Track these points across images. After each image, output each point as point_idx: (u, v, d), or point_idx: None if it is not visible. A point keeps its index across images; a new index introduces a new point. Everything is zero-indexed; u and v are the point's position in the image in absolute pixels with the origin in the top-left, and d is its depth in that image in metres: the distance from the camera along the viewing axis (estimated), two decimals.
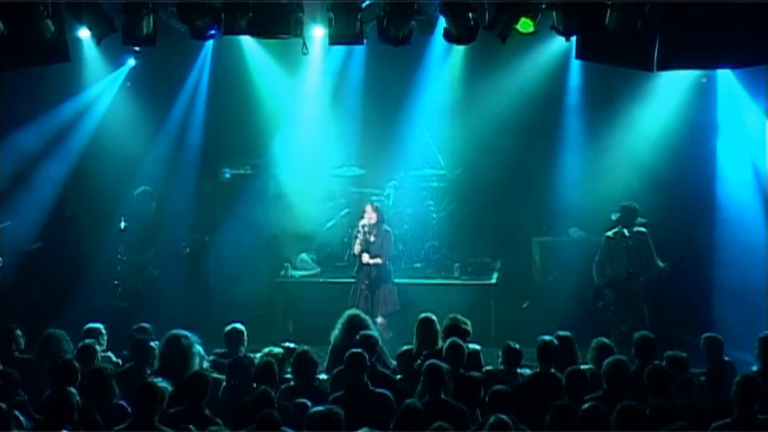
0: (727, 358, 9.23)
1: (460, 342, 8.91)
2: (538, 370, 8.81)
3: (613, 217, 12.11)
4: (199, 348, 9.24)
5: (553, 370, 8.70)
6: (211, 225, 14.45)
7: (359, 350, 8.52)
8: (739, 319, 11.46)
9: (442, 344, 9.18)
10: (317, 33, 11.01)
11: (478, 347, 9.60)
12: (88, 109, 14.01)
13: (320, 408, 7.50)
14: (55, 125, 13.79)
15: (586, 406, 7.41)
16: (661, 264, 11.98)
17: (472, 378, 8.61)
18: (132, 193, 13.65)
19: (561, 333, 9.19)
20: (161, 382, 7.91)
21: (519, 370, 9.04)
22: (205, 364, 9.21)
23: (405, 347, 9.75)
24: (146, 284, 13.32)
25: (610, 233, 12.13)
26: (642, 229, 12.05)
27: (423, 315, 9.71)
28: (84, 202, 14.46)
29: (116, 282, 12.60)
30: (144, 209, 13.42)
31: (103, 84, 13.98)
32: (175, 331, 9.01)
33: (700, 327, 10.40)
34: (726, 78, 12.72)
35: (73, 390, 8.03)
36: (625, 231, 11.99)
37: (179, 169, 14.35)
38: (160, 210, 13.54)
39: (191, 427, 7.46)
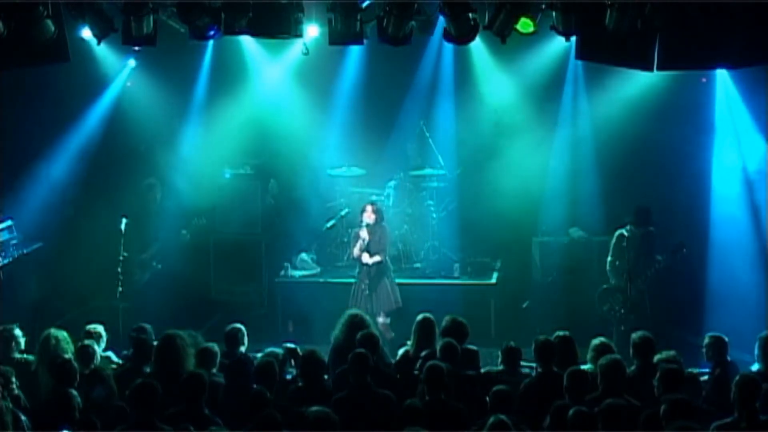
0: (728, 359, 9.23)
1: (454, 342, 8.90)
2: (540, 370, 8.79)
3: (627, 219, 12.11)
4: (213, 346, 9.18)
5: (555, 369, 8.70)
6: (211, 224, 14.44)
7: (363, 350, 8.51)
8: (738, 319, 11.44)
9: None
10: (313, 32, 10.94)
11: (475, 348, 9.59)
12: (91, 109, 14.05)
13: (314, 409, 7.50)
14: (57, 125, 13.81)
15: (572, 411, 7.39)
16: (659, 257, 11.99)
17: (468, 377, 8.58)
18: (133, 190, 13.67)
19: (560, 333, 9.18)
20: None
21: (519, 370, 9.04)
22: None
23: (401, 350, 9.74)
24: (150, 280, 13.26)
25: (619, 232, 12.12)
26: (651, 228, 12.06)
27: (422, 316, 9.69)
28: (86, 202, 14.44)
29: (118, 281, 12.56)
30: (148, 202, 13.32)
31: (108, 85, 14.05)
32: (171, 331, 9.00)
33: (700, 327, 10.40)
34: (724, 78, 12.74)
35: (73, 391, 8.05)
36: (625, 232, 11.97)
37: (184, 169, 14.33)
38: (163, 204, 13.45)
39: (191, 427, 7.48)
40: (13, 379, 8.51)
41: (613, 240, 12.20)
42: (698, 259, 12.80)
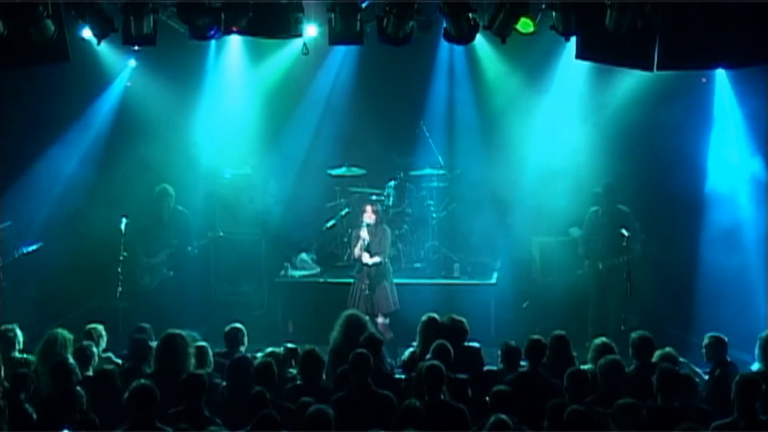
0: (728, 359, 9.22)
1: (447, 344, 8.87)
2: (526, 369, 8.80)
3: (595, 189, 12.63)
4: (206, 345, 9.18)
5: (541, 370, 8.69)
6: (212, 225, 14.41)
7: (364, 350, 8.51)
8: (738, 318, 11.44)
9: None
10: (312, 32, 10.92)
11: (477, 345, 9.59)
12: (91, 109, 14.04)
13: (311, 407, 7.50)
14: (57, 125, 13.81)
15: (571, 408, 7.39)
16: (637, 248, 12.27)
17: (459, 380, 8.57)
18: (134, 191, 13.65)
19: (555, 332, 9.20)
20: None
21: (519, 370, 9.03)
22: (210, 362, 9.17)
23: (408, 351, 9.71)
24: (160, 286, 13.04)
25: (593, 209, 12.60)
26: (624, 208, 12.32)
27: (427, 316, 9.69)
28: (86, 202, 14.42)
29: (119, 281, 12.51)
30: (161, 207, 13.16)
31: (108, 85, 14.04)
32: (171, 331, 8.99)
33: (699, 326, 10.39)
34: (723, 78, 12.75)
35: (78, 390, 8.05)
36: (598, 209, 12.49)
37: (184, 170, 14.30)
38: (176, 210, 13.36)
39: (190, 427, 7.47)
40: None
41: (587, 216, 12.78)
42: (698, 258, 12.80)
